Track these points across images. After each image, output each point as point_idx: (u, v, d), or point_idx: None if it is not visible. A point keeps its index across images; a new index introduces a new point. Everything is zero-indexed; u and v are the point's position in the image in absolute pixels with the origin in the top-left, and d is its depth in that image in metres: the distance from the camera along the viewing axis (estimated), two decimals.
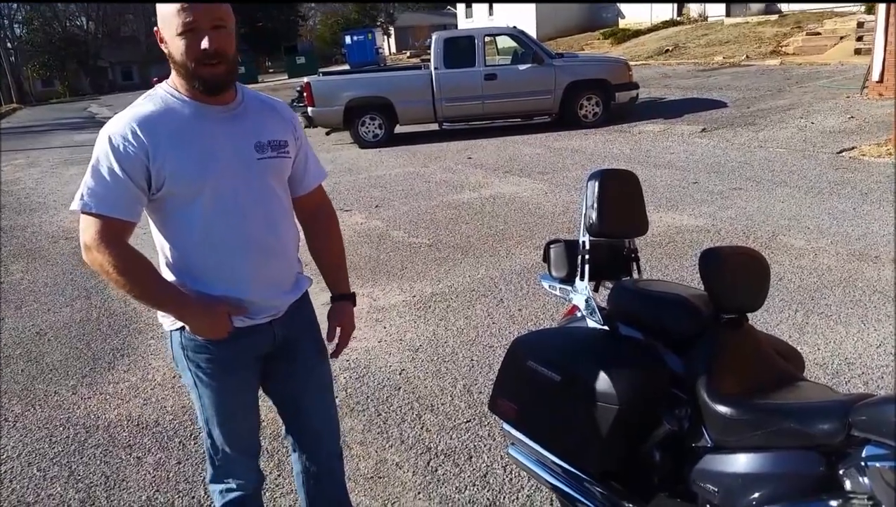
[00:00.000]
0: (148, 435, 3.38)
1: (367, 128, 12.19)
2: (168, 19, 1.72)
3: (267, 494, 2.79)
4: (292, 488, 2.87)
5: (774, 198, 6.70)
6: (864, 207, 6.15)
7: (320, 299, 2.19)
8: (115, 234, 1.74)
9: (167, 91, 1.82)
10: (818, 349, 3.70)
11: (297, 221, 2.11)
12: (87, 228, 1.74)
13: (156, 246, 1.89)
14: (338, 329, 2.19)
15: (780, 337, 3.69)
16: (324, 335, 2.17)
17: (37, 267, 6.49)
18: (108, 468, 3.13)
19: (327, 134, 13.22)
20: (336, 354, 2.19)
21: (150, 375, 4.04)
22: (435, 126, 12.64)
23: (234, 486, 2.10)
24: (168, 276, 1.88)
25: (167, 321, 1.93)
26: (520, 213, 7.01)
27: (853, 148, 8.45)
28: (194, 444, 3.27)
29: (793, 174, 7.54)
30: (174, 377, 3.97)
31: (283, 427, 2.21)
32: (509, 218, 6.85)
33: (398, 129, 12.54)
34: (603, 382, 1.84)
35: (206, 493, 2.89)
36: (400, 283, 5.28)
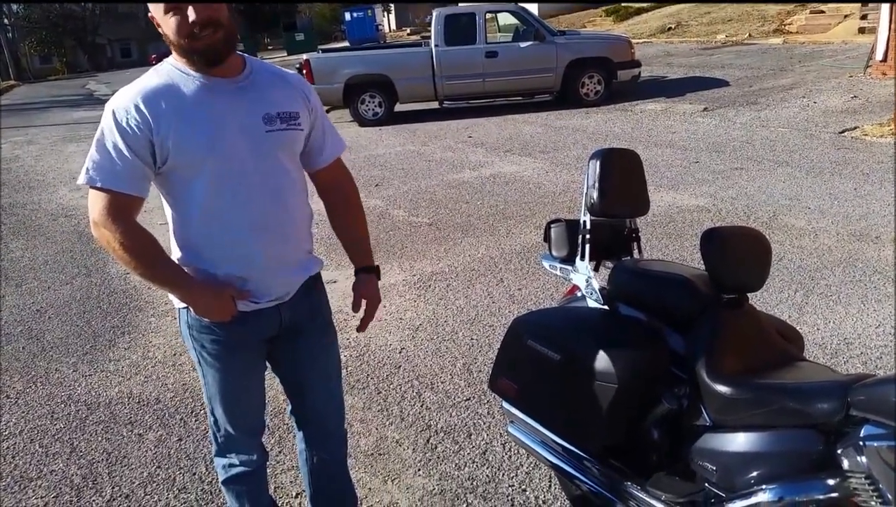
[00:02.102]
0: (149, 412, 3.40)
1: (366, 106, 12.12)
2: (155, 1, 1.72)
3: (269, 470, 2.80)
4: (293, 464, 2.89)
5: (776, 178, 6.68)
6: (866, 187, 6.13)
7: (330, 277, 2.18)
8: (121, 209, 1.73)
9: (173, 65, 1.79)
10: (818, 329, 3.71)
11: (316, 196, 2.09)
12: (95, 204, 1.73)
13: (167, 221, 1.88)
14: (363, 301, 2.15)
15: (780, 317, 3.70)
16: (343, 311, 2.16)
17: (36, 245, 6.49)
18: (109, 444, 3.15)
19: (327, 112, 13.11)
20: (363, 327, 2.18)
21: (150, 352, 4.05)
22: (435, 104, 12.56)
23: (237, 461, 2.11)
24: (175, 252, 1.87)
25: (175, 298, 1.92)
26: (520, 192, 6.99)
27: (855, 128, 8.41)
28: (195, 421, 3.29)
29: (794, 154, 7.51)
30: (175, 355, 3.98)
31: (288, 406, 2.22)
32: (509, 197, 6.83)
33: (398, 107, 12.46)
34: (602, 361, 1.85)
35: (206, 469, 2.91)
36: (400, 262, 5.28)
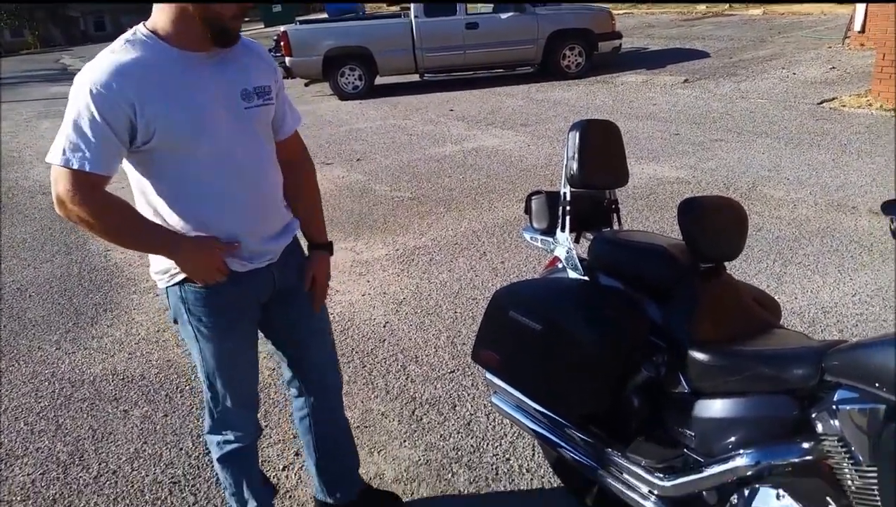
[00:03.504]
0: (134, 389, 3.40)
1: (346, 79, 12.01)
2: None
3: None
4: (279, 438, 2.92)
5: (755, 149, 6.73)
6: (844, 158, 6.20)
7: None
8: (92, 186, 1.67)
9: (148, 36, 1.70)
10: (795, 298, 3.78)
11: None
12: (60, 181, 1.66)
13: (136, 198, 1.84)
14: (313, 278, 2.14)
15: (759, 286, 3.76)
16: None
17: (14, 223, 6.41)
18: (95, 421, 3.16)
19: (306, 85, 13.02)
20: (315, 306, 2.15)
21: (133, 329, 4.04)
22: (416, 77, 12.48)
23: (231, 438, 2.12)
24: None
25: (164, 278, 1.90)
26: (502, 165, 6.99)
27: (834, 99, 8.48)
28: (181, 397, 3.30)
29: (773, 125, 7.57)
30: (158, 331, 3.97)
31: (284, 376, 2.26)
32: (492, 171, 6.83)
33: (379, 80, 12.36)
34: (582, 330, 1.88)
35: (193, 444, 2.93)
36: (383, 236, 5.29)
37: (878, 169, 5.78)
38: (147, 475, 2.76)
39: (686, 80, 10.71)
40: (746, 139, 7.12)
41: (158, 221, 1.82)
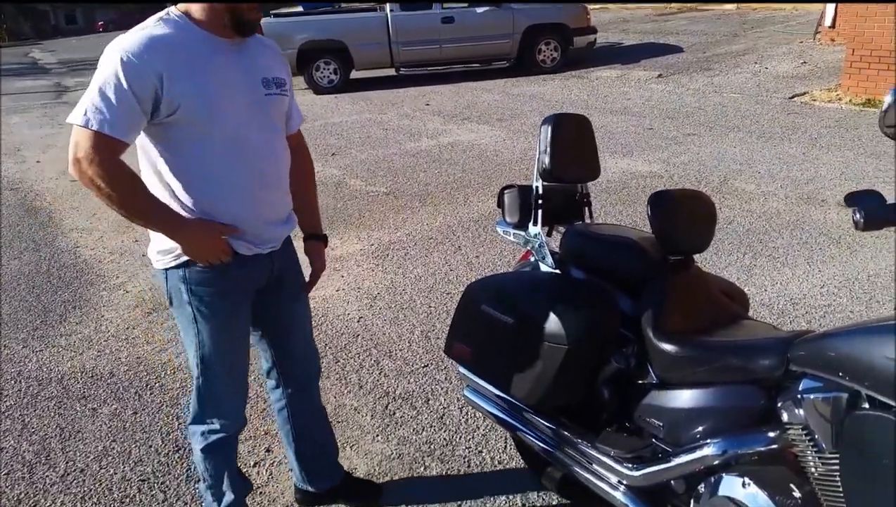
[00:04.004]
0: (103, 386, 3.35)
1: (321, 73, 11.93)
2: None
3: None
4: (250, 434, 2.89)
5: (727, 143, 6.80)
6: (814, 151, 6.28)
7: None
8: (110, 150, 1.71)
9: (178, 17, 1.79)
10: (765, 290, 3.82)
11: None
12: (82, 142, 1.70)
13: (146, 176, 1.87)
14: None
15: (729, 278, 3.80)
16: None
17: None
18: (62, 419, 3.10)
19: None
20: (307, 291, 2.25)
21: (102, 327, 3.98)
22: (392, 71, 12.43)
23: (217, 426, 2.11)
24: (169, 204, 1.86)
25: (165, 259, 1.92)
26: (478, 160, 6.99)
27: (805, 93, 8.59)
28: (150, 394, 3.25)
29: (745, 119, 7.65)
30: (127, 329, 3.92)
31: (262, 367, 2.28)
32: (467, 165, 6.83)
33: (354, 74, 12.29)
34: (553, 323, 1.88)
35: (163, 442, 2.90)
36: (358, 232, 5.26)
37: (847, 162, 5.87)
38: (116, 473, 2.72)
39: (660, 75, 10.79)
40: (719, 133, 7.19)
41: (168, 198, 1.85)
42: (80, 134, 1.70)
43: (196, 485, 2.33)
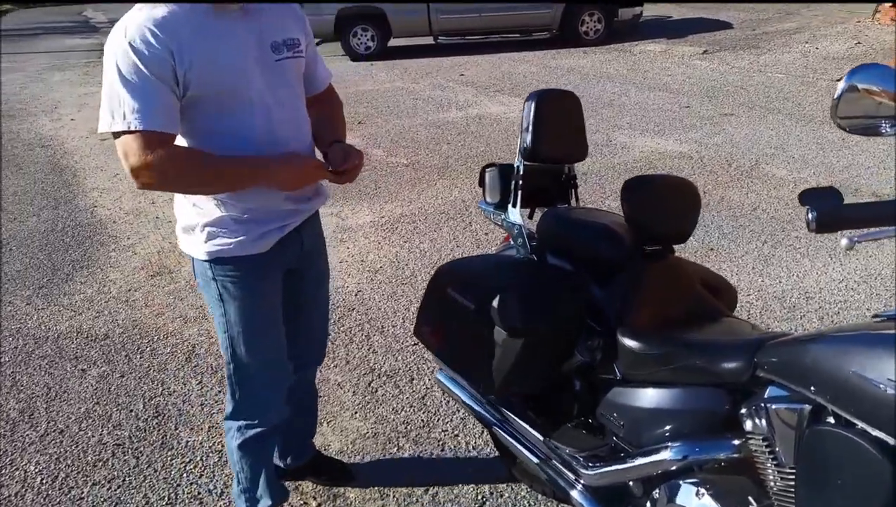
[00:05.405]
0: (95, 348, 3.37)
1: (359, 39, 11.80)
2: None
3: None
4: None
5: (765, 125, 6.51)
6: (854, 137, 5.93)
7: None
8: (161, 143, 1.59)
9: None
10: (780, 282, 3.64)
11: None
12: (131, 149, 1.57)
13: None
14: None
15: (743, 268, 3.63)
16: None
17: (8, 175, 6.37)
18: (51, 379, 3.13)
19: (318, 44, 12.76)
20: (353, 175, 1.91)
21: (106, 287, 4.01)
22: (430, 40, 12.24)
23: (255, 421, 1.99)
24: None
25: (199, 250, 1.81)
26: (504, 133, 6.84)
27: None
28: (140, 357, 3.26)
29: (787, 101, 7.31)
30: (129, 291, 3.94)
31: None
32: (492, 139, 6.68)
33: (392, 42, 12.14)
34: (510, 313, 1.78)
35: (144, 406, 2.90)
36: (371, 203, 5.19)
37: (888, 150, 5.55)
38: (93, 436, 2.73)
39: (705, 52, 10.39)
40: (758, 115, 6.89)
41: None
42: (125, 141, 1.57)
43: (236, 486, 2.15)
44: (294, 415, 2.23)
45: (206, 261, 1.82)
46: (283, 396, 2.04)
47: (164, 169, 1.60)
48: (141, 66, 1.54)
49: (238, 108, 1.70)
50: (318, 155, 1.92)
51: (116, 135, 1.59)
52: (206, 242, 1.80)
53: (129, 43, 1.55)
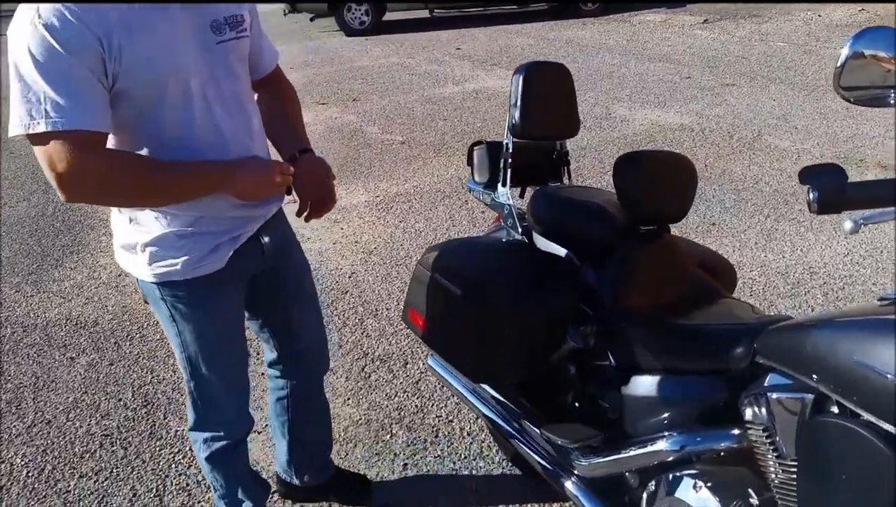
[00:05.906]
0: (85, 335, 3.31)
1: (353, 14, 11.59)
2: None
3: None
4: None
5: (767, 95, 6.38)
6: (858, 107, 5.82)
7: None
8: (93, 145, 1.34)
9: None
10: (783, 257, 3.55)
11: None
12: (59, 155, 1.30)
13: None
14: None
15: (746, 243, 3.53)
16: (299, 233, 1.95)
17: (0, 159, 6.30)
18: (39, 368, 3.07)
19: (311, 20, 12.59)
20: (327, 208, 1.78)
21: (96, 273, 3.94)
22: (426, 13, 12.04)
23: (221, 433, 1.85)
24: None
25: (143, 272, 1.59)
26: (501, 109, 6.71)
27: None
28: (129, 345, 3.20)
29: (790, 70, 7.17)
30: (119, 276, 3.87)
31: (266, 358, 2.04)
32: (489, 115, 6.56)
33: (387, 15, 11.93)
34: (500, 298, 1.70)
35: (133, 395, 2.84)
36: (366, 182, 5.09)
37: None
38: (81, 427, 2.68)
39: (706, 21, 10.22)
40: (759, 84, 6.76)
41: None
42: (50, 145, 1.29)
43: (213, 492, 2.05)
44: (304, 429, 2.14)
45: (152, 283, 1.61)
46: (247, 406, 1.91)
47: (103, 177, 1.37)
48: (63, 53, 1.26)
49: (173, 101, 1.43)
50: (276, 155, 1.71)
51: (37, 138, 1.30)
52: (149, 264, 1.57)
53: (45, 25, 1.25)
